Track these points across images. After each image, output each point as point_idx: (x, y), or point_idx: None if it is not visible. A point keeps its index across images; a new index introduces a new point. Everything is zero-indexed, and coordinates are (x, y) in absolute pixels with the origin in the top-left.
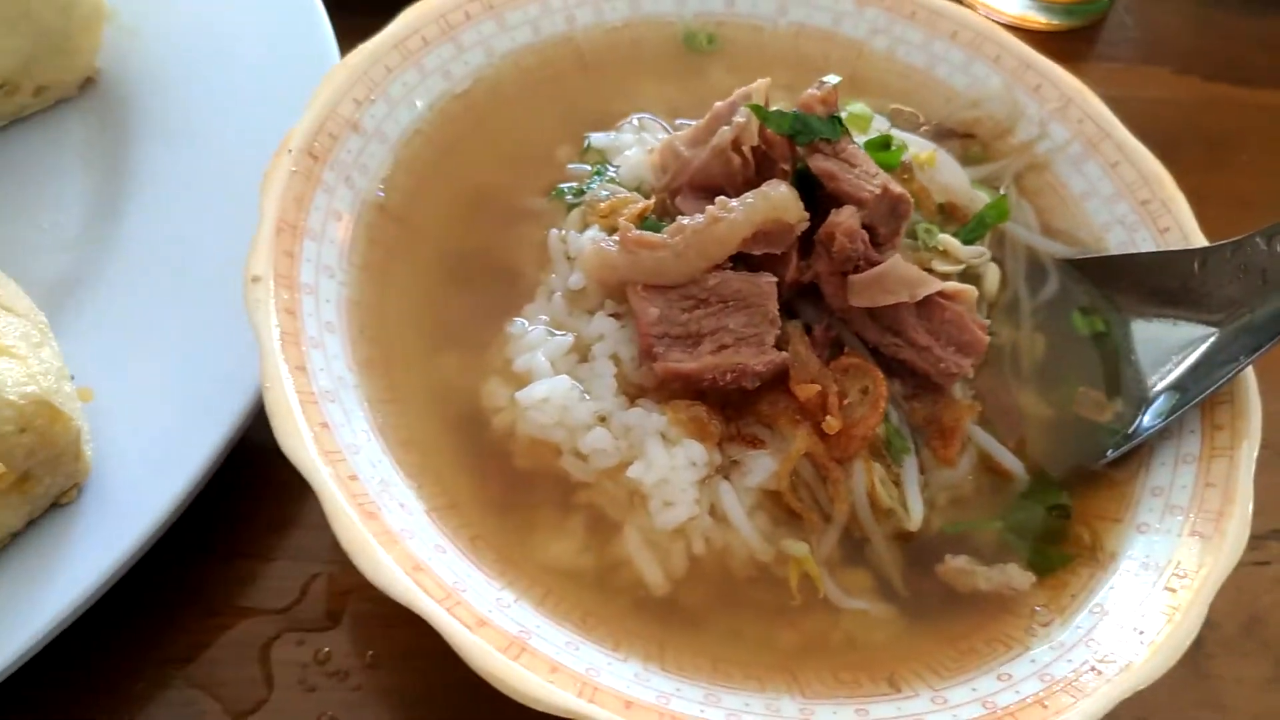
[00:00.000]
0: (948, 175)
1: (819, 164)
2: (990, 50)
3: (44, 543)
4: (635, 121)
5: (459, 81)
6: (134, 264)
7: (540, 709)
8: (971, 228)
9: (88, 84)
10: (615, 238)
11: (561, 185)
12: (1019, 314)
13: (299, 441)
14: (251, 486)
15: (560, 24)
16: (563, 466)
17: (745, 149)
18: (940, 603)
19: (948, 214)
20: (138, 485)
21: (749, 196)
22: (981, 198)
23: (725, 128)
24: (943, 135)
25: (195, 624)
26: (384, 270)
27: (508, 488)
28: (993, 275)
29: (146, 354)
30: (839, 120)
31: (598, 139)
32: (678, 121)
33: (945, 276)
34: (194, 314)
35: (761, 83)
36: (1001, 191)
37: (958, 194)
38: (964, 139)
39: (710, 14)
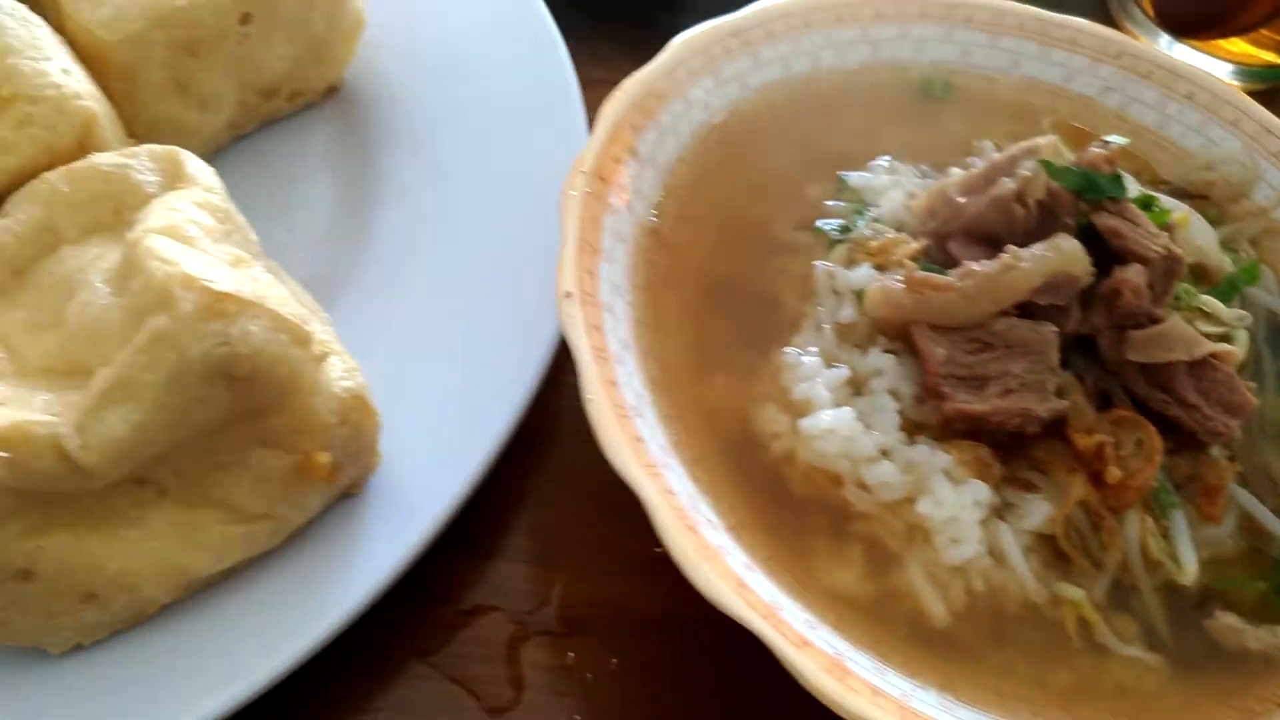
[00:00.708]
0: (1199, 237)
1: (1105, 221)
2: (1228, 114)
3: (336, 531)
4: (884, 163)
5: (716, 113)
6: (385, 264)
7: None
8: (1222, 290)
9: (331, 91)
10: (898, 276)
11: (821, 221)
12: (1263, 376)
13: (624, 455)
14: (489, 490)
15: (806, 64)
16: (844, 496)
17: (1030, 201)
18: (1206, 657)
19: (1198, 275)
20: (420, 481)
21: (1039, 248)
22: (1228, 260)
23: (1007, 179)
24: (1177, 196)
25: (441, 619)
26: (657, 292)
27: (784, 512)
28: (1243, 338)
29: (407, 351)
30: (1122, 179)
31: (854, 179)
32: (923, 166)
33: (1207, 338)
34: (454, 313)
35: (1050, 139)
36: (1244, 255)
37: (1208, 256)
38: (1198, 200)
39: (945, 62)
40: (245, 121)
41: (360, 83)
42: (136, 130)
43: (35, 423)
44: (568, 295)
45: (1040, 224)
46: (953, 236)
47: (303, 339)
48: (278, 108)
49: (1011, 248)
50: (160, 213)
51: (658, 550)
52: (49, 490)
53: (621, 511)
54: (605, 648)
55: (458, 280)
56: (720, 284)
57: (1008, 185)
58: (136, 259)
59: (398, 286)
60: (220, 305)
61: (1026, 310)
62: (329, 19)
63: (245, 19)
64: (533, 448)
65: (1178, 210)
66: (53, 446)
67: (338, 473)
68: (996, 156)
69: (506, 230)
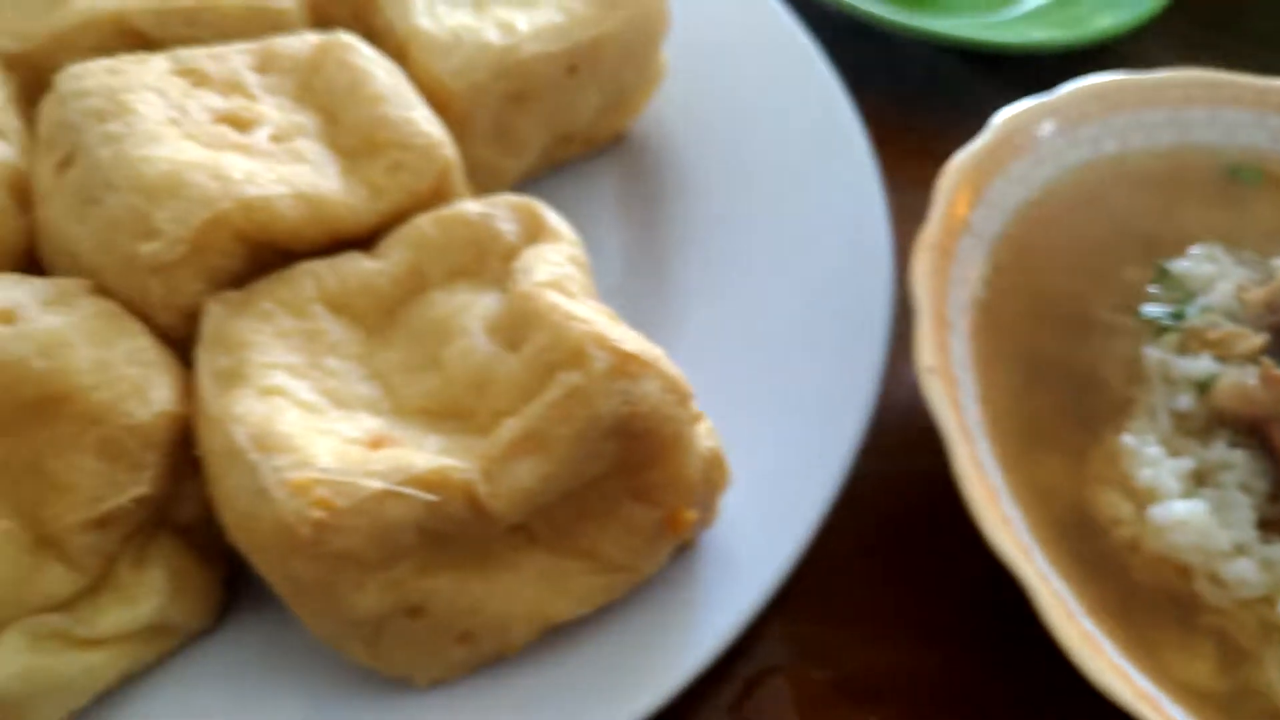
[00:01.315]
0: None
1: None
2: None
3: (671, 585)
4: (1203, 251)
5: (1033, 189)
6: (684, 315)
7: None
8: None
9: (616, 137)
10: (1250, 371)
11: (1147, 307)
12: None
13: (1001, 537)
14: None
15: (1115, 145)
16: (1194, 589)
17: None
18: None
19: None
20: (750, 538)
21: None
22: None
23: None
24: None
25: (737, 673)
26: (985, 367)
27: (1131, 599)
28: None
29: (717, 404)
30: None
31: (1176, 266)
32: (1244, 254)
33: None
34: (761, 368)
35: None
36: None
37: None
38: None
39: (1257, 149)
40: (540, 166)
41: (642, 129)
42: None
43: (453, 468)
44: (930, 370)
45: None
46: None
47: (686, 399)
48: (569, 152)
49: None
50: (542, 266)
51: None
52: (447, 532)
53: (905, 575)
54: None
55: (761, 335)
56: (1042, 361)
57: None
58: (537, 313)
59: (698, 338)
60: (627, 365)
61: None
62: (638, 70)
63: (572, 70)
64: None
65: None
66: (465, 491)
67: (695, 528)
68: None
69: (804, 285)
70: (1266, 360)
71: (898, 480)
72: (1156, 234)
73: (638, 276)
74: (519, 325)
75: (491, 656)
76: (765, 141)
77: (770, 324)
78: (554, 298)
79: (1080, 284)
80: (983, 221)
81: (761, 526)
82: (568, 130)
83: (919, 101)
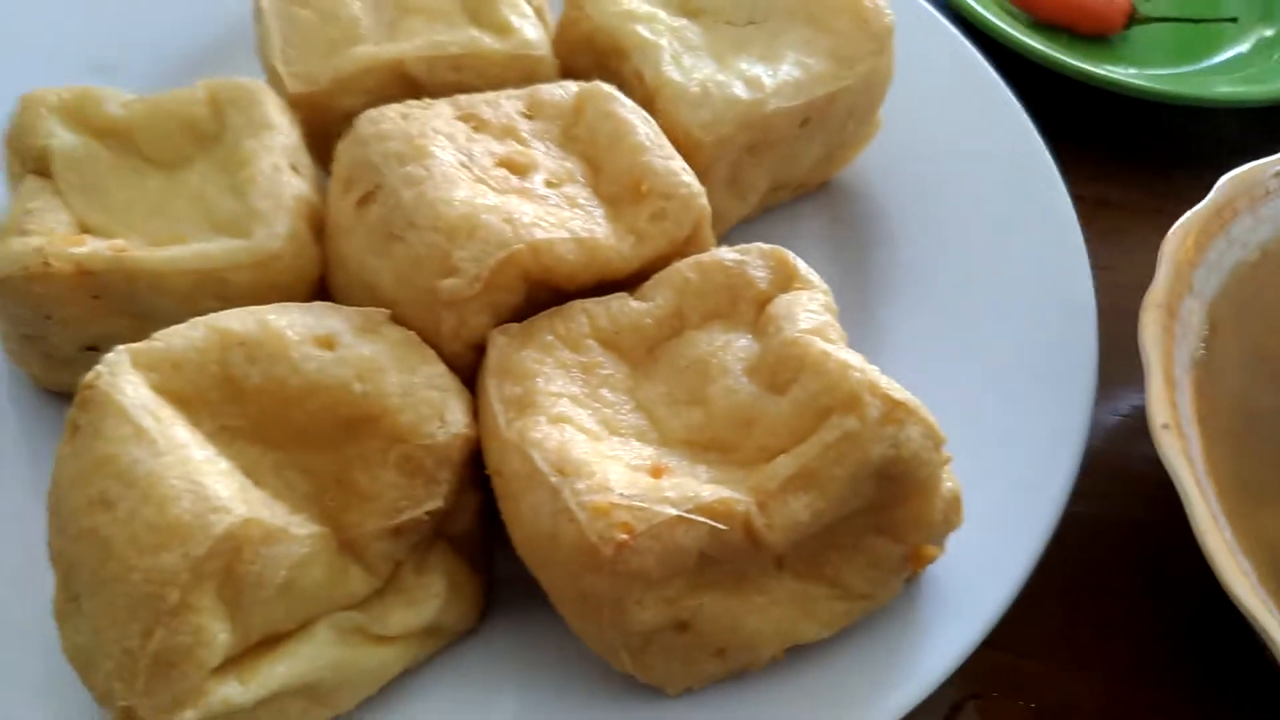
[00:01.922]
0: None
1: None
2: None
3: (897, 614)
4: None
5: (1251, 250)
6: (899, 359)
7: None
8: None
9: (822, 184)
10: None
11: None
12: None
13: (1246, 593)
14: None
15: None
16: None
17: None
18: None
19: None
20: (967, 572)
21: None
22: None
23: None
24: None
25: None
26: (1205, 423)
27: None
28: None
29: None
30: None
31: None
32: None
33: None
34: (975, 415)
35: None
36: None
37: None
38: None
39: None
40: (757, 209)
41: (846, 177)
42: None
43: (735, 499)
44: (1165, 427)
45: None
46: None
47: (940, 444)
48: (780, 198)
49: None
50: (803, 314)
51: None
52: (718, 556)
53: (1098, 614)
54: None
55: (972, 383)
56: (1259, 415)
57: None
58: (808, 359)
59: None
60: (896, 412)
61: None
62: (860, 124)
63: (804, 123)
64: None
65: None
66: (745, 521)
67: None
68: None
69: (1012, 332)
70: None
71: (1101, 523)
72: None
73: (850, 318)
74: (784, 369)
75: (737, 671)
76: (968, 190)
77: (980, 368)
78: (823, 345)
79: None
80: (1203, 281)
81: (980, 562)
82: (787, 178)
83: (1113, 152)
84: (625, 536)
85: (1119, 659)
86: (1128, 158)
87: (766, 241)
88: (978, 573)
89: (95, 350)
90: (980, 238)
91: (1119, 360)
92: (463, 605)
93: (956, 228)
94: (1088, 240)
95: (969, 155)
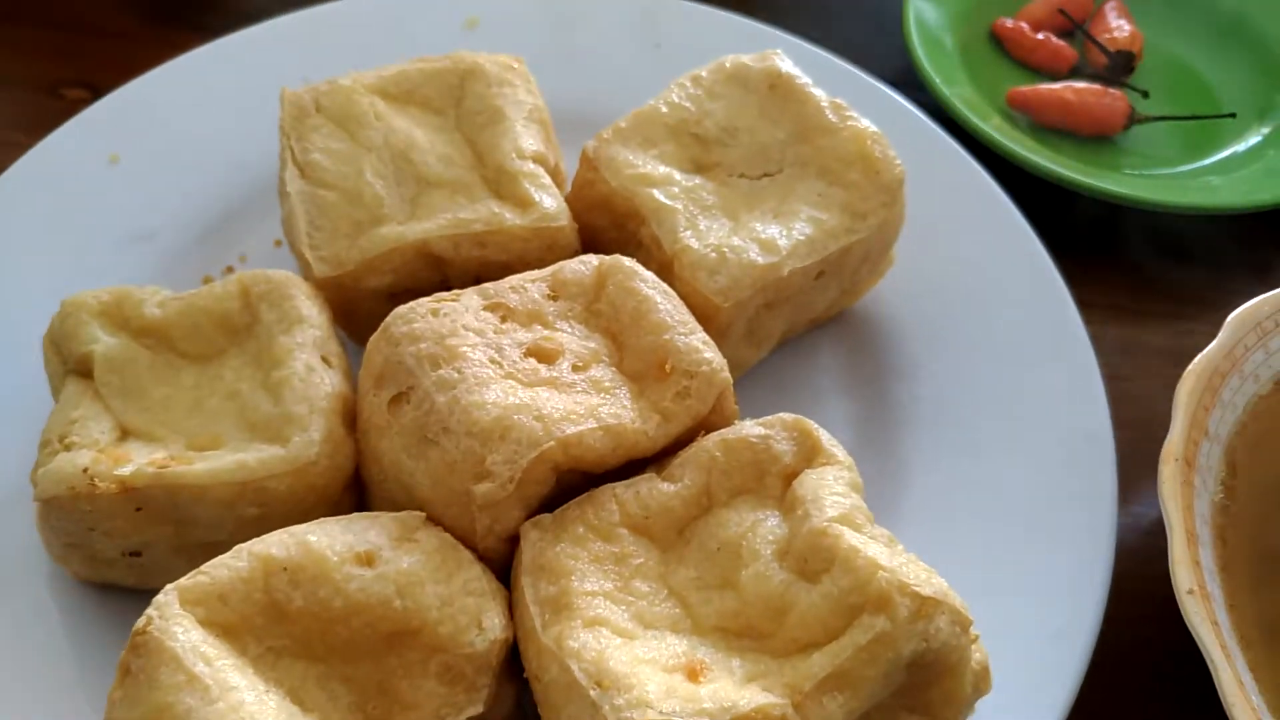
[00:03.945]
0: None
1: None
2: None
3: None
4: None
5: (1264, 384)
6: (916, 494)
7: None
8: None
9: (838, 315)
10: None
11: None
12: None
13: None
14: None
15: None
16: None
17: None
18: None
19: None
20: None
21: None
22: None
23: None
24: None
25: None
26: (1231, 569)
27: None
28: None
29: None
30: None
31: None
32: None
33: None
34: (997, 553)
35: None
36: None
37: None
38: None
39: None
40: (773, 349)
41: (861, 306)
42: None
43: (772, 705)
44: (1190, 593)
45: None
46: None
47: (967, 627)
48: (796, 332)
49: None
50: (829, 499)
51: None
52: None
53: None
54: None
55: (991, 520)
56: (1276, 556)
57: None
58: (838, 553)
59: (933, 520)
60: (925, 608)
61: None
62: (873, 267)
63: (819, 275)
64: None
65: None
66: None
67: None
68: None
69: (1031, 467)
70: None
71: (1121, 645)
72: None
73: (865, 454)
74: (814, 559)
75: None
76: (981, 317)
77: (997, 499)
78: (851, 538)
79: None
80: (1218, 423)
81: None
82: (802, 320)
83: (1122, 257)
84: None
85: None
86: (1136, 261)
87: (786, 378)
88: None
89: (138, 555)
90: (994, 367)
91: (1140, 468)
92: None
93: (970, 356)
94: (1102, 350)
95: (980, 281)
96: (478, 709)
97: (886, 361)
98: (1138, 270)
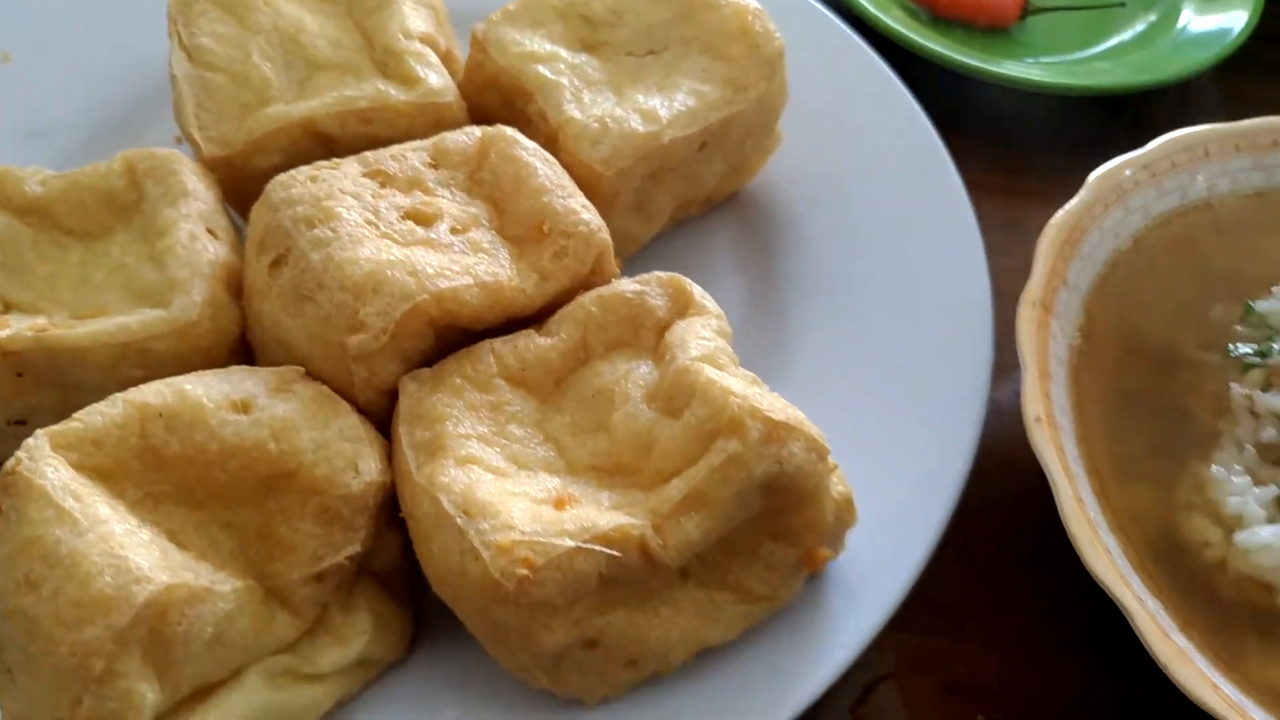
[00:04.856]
0: None
1: None
2: None
3: (803, 608)
4: None
5: (1124, 240)
6: (803, 359)
7: None
8: None
9: (731, 195)
10: None
11: (1234, 345)
12: None
13: (1106, 569)
14: None
15: (1202, 191)
16: (1275, 603)
17: None
18: None
19: None
20: (868, 564)
21: None
22: None
23: None
24: None
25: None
26: (1082, 408)
27: (1218, 615)
28: None
29: (837, 437)
30: None
31: (1261, 306)
32: None
33: None
34: (875, 411)
35: None
36: None
37: None
38: None
39: None
40: (666, 227)
41: (754, 188)
42: None
43: (630, 525)
44: (1037, 420)
45: None
46: None
47: (824, 455)
48: (689, 213)
49: None
50: (695, 342)
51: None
52: (621, 577)
53: (1004, 591)
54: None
55: (874, 381)
56: (1134, 399)
57: None
58: (696, 386)
59: (819, 382)
60: (777, 432)
61: None
62: (758, 141)
63: (702, 147)
64: None
65: None
66: (641, 544)
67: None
68: None
69: (911, 327)
70: None
71: (997, 502)
72: (1243, 275)
73: (758, 322)
74: (678, 395)
75: (650, 677)
76: (870, 193)
77: (882, 367)
78: (710, 373)
79: (1169, 326)
80: (1078, 274)
81: (879, 553)
82: (692, 196)
83: (1009, 140)
84: (526, 571)
85: (1019, 629)
86: (1030, 145)
87: (681, 256)
88: (878, 564)
89: (23, 424)
90: (881, 239)
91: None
92: (390, 638)
93: (858, 230)
94: (992, 228)
95: (870, 159)
96: (355, 548)
97: (778, 239)
98: (1020, 152)
